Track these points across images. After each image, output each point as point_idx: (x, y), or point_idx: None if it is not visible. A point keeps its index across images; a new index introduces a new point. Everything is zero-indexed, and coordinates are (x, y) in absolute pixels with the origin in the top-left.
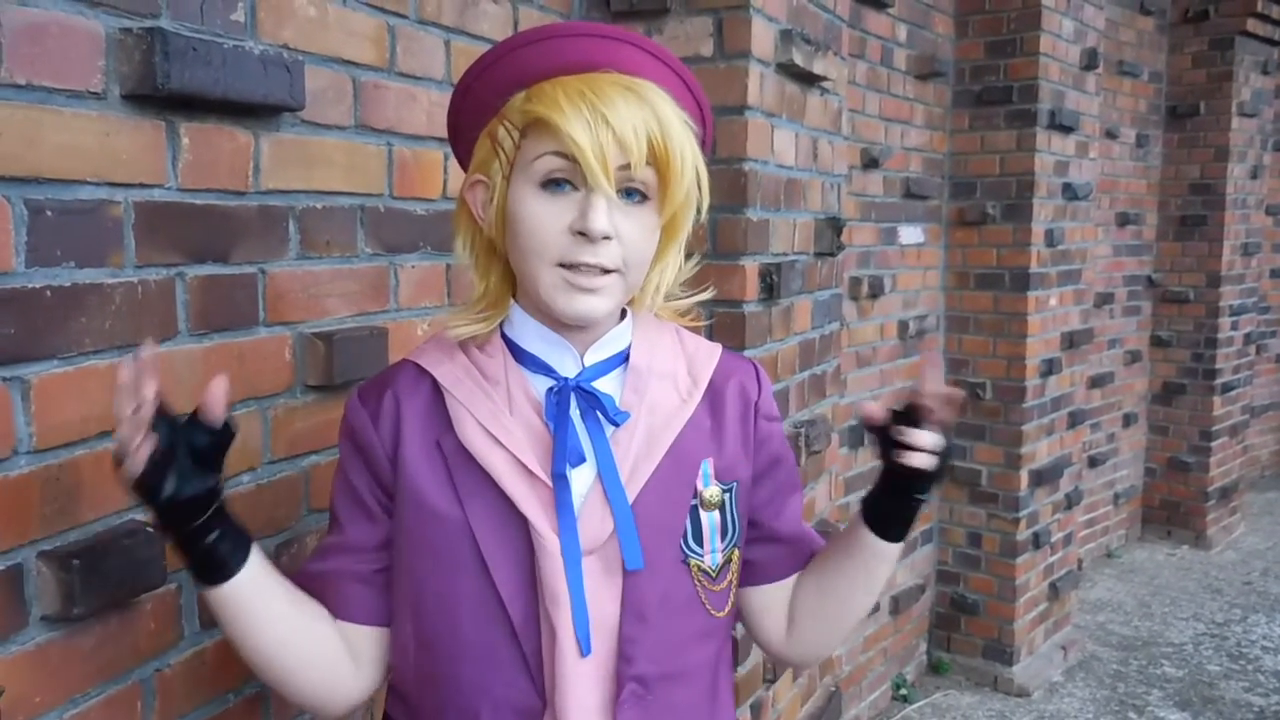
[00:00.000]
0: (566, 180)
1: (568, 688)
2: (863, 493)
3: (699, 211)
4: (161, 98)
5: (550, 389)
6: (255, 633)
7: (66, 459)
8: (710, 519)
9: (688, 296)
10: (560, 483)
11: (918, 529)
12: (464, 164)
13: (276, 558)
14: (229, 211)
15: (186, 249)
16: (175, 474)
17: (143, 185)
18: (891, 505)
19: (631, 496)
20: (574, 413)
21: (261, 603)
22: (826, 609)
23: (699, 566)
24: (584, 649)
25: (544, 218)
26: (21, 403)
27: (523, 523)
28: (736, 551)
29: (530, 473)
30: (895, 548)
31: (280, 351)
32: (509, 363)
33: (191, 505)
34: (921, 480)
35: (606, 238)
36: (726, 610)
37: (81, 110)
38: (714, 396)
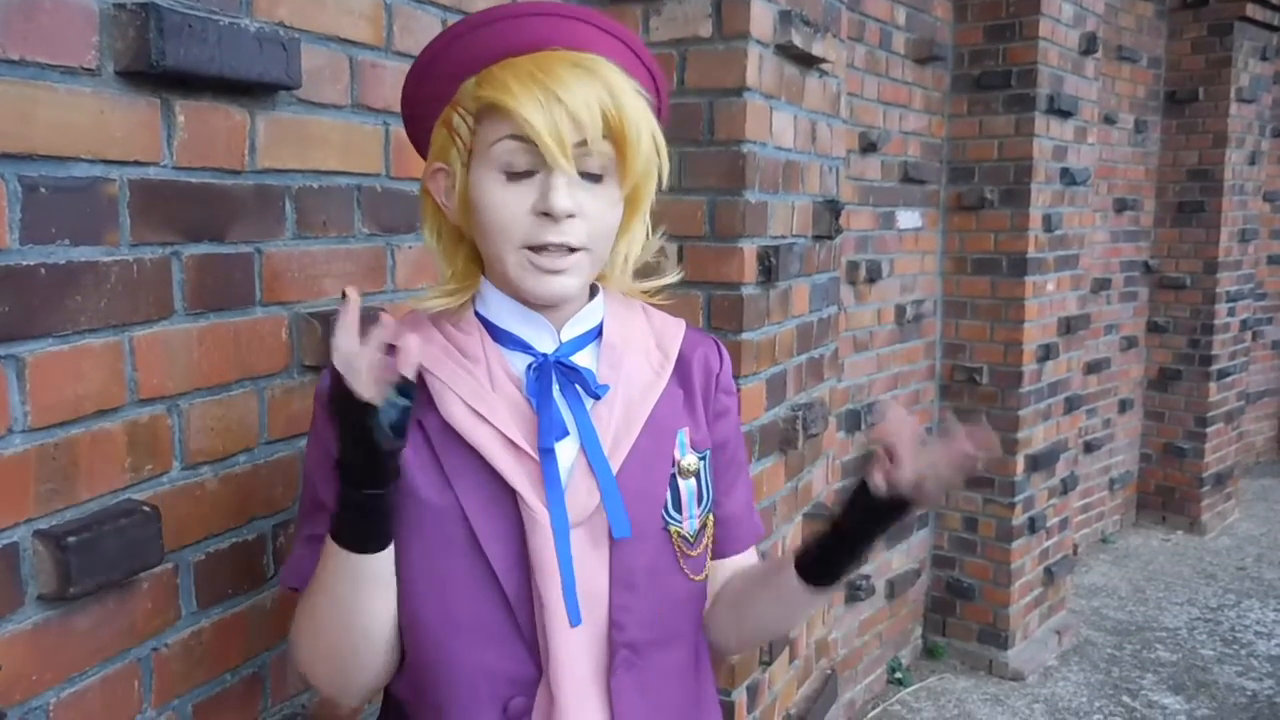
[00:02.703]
0: (526, 162)
1: (561, 657)
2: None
3: (660, 180)
4: (156, 75)
5: (530, 365)
6: (370, 603)
7: (62, 438)
8: (688, 486)
9: (656, 279)
10: (547, 457)
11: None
12: (421, 151)
13: (274, 539)
14: (225, 191)
15: (182, 228)
16: (399, 411)
17: (138, 163)
18: (838, 547)
19: (615, 468)
20: (555, 388)
21: (390, 573)
22: (743, 623)
23: (678, 533)
24: (574, 619)
25: (506, 202)
26: (16, 381)
27: (510, 498)
28: (711, 516)
29: (517, 448)
30: (823, 594)
31: (277, 332)
32: (486, 340)
33: (394, 456)
34: (884, 517)
35: (570, 216)
36: (703, 575)
37: (76, 87)
38: (683, 368)
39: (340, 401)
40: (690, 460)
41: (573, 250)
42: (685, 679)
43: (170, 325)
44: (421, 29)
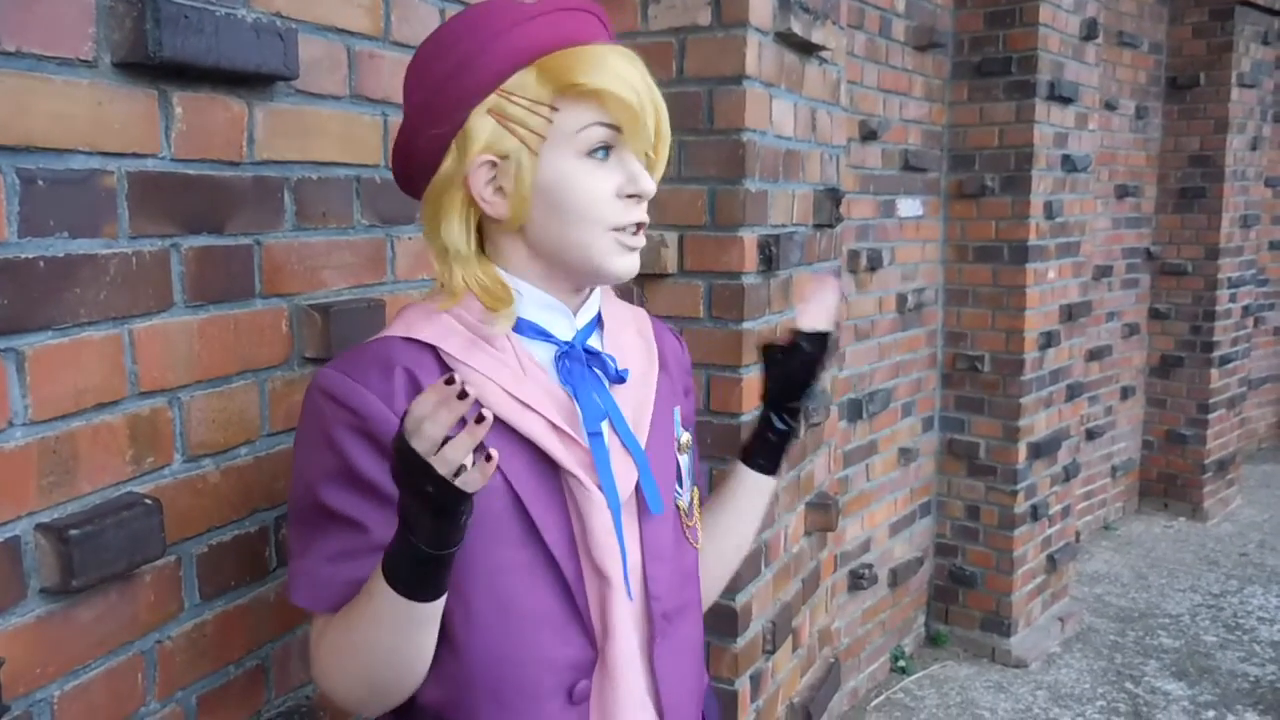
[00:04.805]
0: (604, 147)
1: (618, 634)
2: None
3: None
4: (154, 66)
5: (558, 353)
6: (422, 639)
7: (63, 431)
8: (685, 462)
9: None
10: (596, 440)
11: (916, 502)
12: (427, 147)
13: (277, 530)
14: (223, 182)
15: (181, 220)
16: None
17: (136, 155)
18: (768, 433)
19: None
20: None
21: (441, 606)
22: (710, 548)
23: (680, 506)
24: (629, 594)
25: (595, 185)
26: (16, 374)
27: (556, 484)
28: (696, 489)
29: (562, 433)
30: (772, 481)
31: (277, 323)
32: (507, 329)
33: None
34: (800, 386)
35: (650, 196)
36: (699, 542)
37: (73, 78)
38: (660, 352)
39: (434, 486)
40: (686, 437)
41: (640, 228)
42: (699, 645)
43: (170, 317)
44: (419, 19)
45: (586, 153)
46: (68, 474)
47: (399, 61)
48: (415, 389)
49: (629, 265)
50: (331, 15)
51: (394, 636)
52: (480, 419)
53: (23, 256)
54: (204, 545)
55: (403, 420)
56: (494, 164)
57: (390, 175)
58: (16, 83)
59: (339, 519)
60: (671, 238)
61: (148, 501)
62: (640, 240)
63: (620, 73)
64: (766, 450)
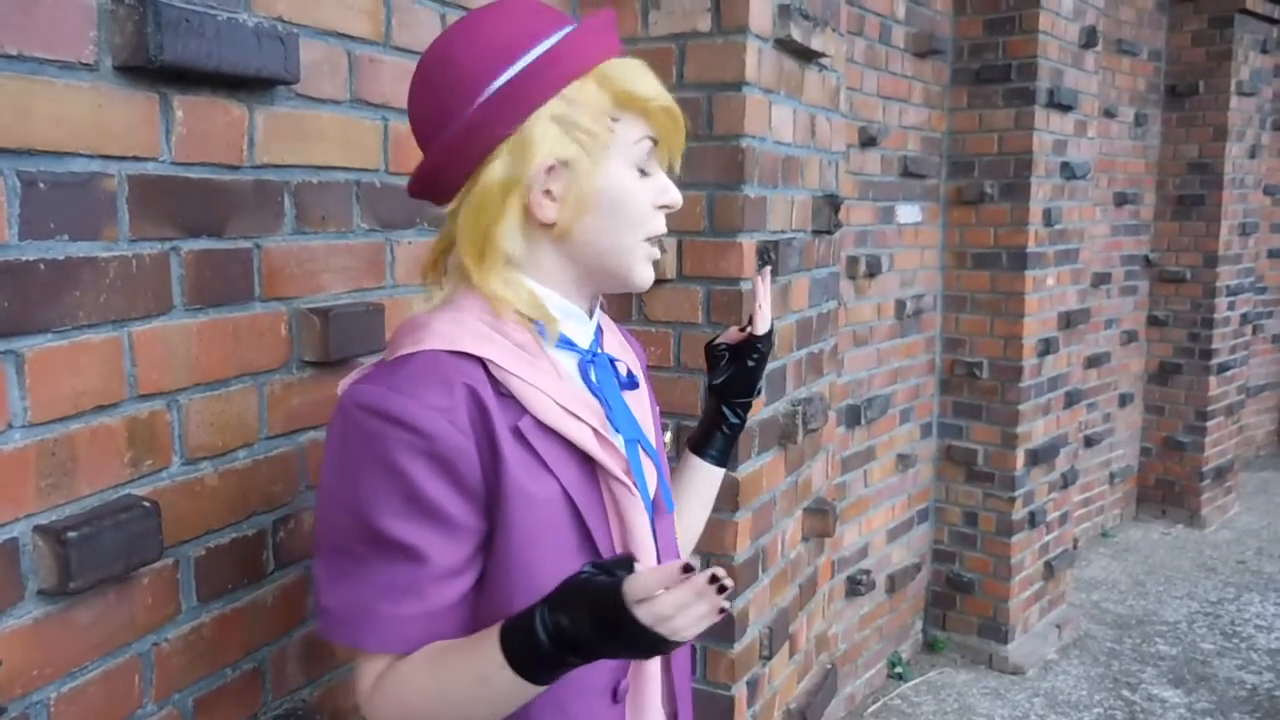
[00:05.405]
0: (652, 161)
1: None
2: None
3: None
4: (154, 70)
5: (583, 360)
6: (520, 703)
7: (62, 433)
8: (668, 459)
9: None
10: (632, 446)
11: (914, 508)
12: (482, 150)
13: (275, 534)
14: (223, 185)
15: (181, 223)
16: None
17: (136, 158)
18: (723, 427)
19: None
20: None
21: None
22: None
23: None
24: None
25: (643, 195)
26: (16, 376)
27: (598, 489)
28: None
29: (603, 439)
30: (722, 471)
31: (276, 327)
32: (537, 338)
33: None
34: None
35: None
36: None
37: (73, 82)
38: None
39: (648, 645)
40: (669, 438)
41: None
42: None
43: (169, 320)
44: (420, 23)
45: (636, 164)
46: (66, 476)
47: (399, 66)
48: (477, 404)
49: (651, 274)
50: (332, 20)
51: (486, 703)
52: (721, 610)
53: (23, 259)
54: (202, 548)
55: (629, 590)
56: (551, 169)
57: (390, 180)
58: (18, 86)
59: (396, 549)
60: (670, 243)
61: (146, 504)
62: (659, 251)
63: (660, 88)
64: (719, 442)
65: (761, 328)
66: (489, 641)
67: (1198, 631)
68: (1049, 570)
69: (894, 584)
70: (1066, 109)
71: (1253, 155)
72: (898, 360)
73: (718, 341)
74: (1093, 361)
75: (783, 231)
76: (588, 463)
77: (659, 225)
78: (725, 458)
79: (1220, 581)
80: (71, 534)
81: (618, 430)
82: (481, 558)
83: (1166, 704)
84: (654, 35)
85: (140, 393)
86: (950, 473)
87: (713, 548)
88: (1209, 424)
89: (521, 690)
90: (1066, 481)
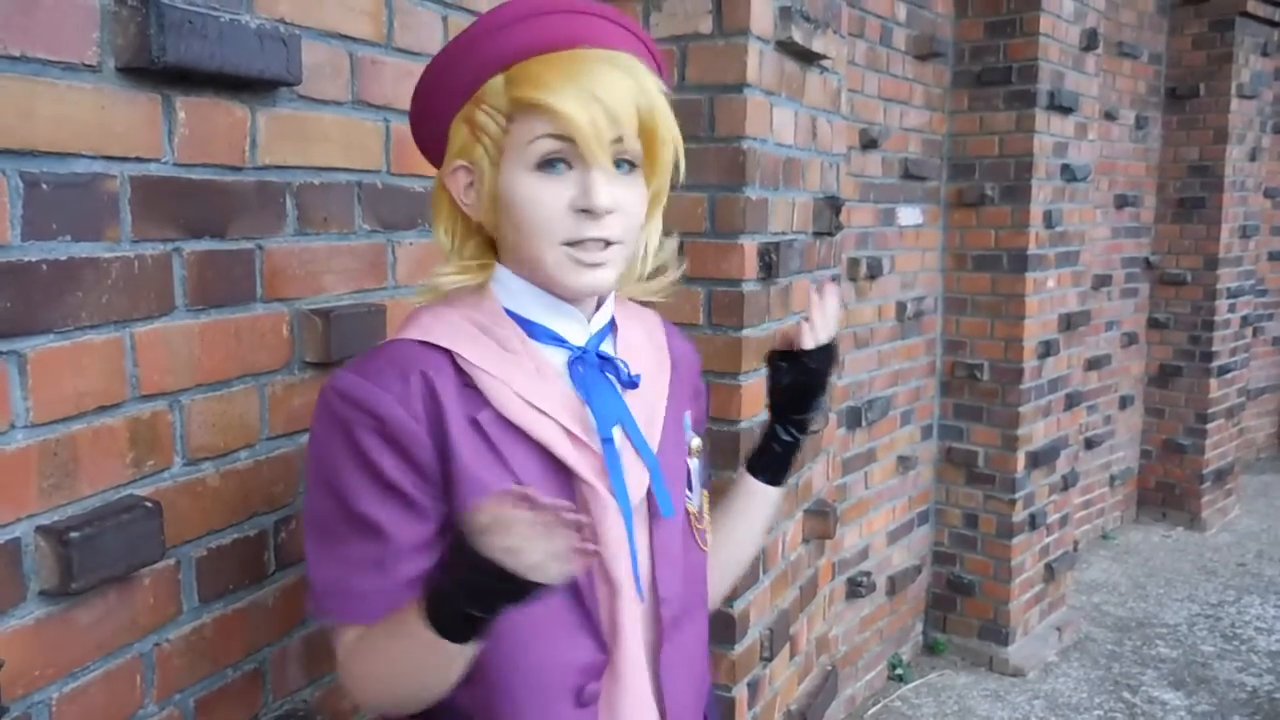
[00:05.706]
0: (561, 159)
1: (627, 635)
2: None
3: (678, 177)
4: (157, 71)
5: (572, 358)
6: (463, 663)
7: (64, 433)
8: (695, 465)
9: (662, 278)
10: (609, 446)
11: (914, 510)
12: (427, 148)
13: (276, 534)
14: (226, 187)
15: (183, 224)
16: None
17: (139, 159)
18: (774, 444)
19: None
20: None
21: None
22: (716, 555)
23: (690, 509)
24: (641, 596)
25: (544, 199)
26: (18, 377)
27: (567, 489)
28: (706, 492)
29: (575, 439)
30: (776, 491)
31: (278, 328)
32: (520, 334)
33: None
34: (810, 394)
35: (609, 211)
36: (709, 546)
37: (76, 83)
38: (672, 356)
39: (507, 584)
40: (696, 441)
41: (609, 244)
42: (704, 648)
43: (171, 321)
44: (422, 25)
45: (536, 165)
46: (68, 476)
47: (401, 67)
48: (430, 393)
49: (590, 281)
50: (334, 21)
51: (428, 670)
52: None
53: (25, 259)
54: (203, 548)
55: (469, 523)
56: (469, 169)
57: (391, 181)
58: (20, 87)
59: (364, 526)
60: (672, 244)
61: (148, 504)
62: (602, 256)
63: (584, 81)
64: (772, 461)
65: (808, 342)
66: (414, 608)
67: (1198, 634)
68: (1049, 572)
69: (894, 586)
70: (1067, 111)
71: (1253, 158)
72: (898, 362)
73: (775, 350)
74: (1093, 364)
75: (784, 233)
76: (557, 461)
77: (577, 230)
78: (778, 478)
79: (1220, 584)
80: (73, 534)
81: (603, 431)
82: (444, 539)
83: (1167, 706)
84: (656, 37)
85: (142, 393)
86: (951, 475)
87: None
88: (1209, 426)
89: (451, 650)
90: (1067, 484)
